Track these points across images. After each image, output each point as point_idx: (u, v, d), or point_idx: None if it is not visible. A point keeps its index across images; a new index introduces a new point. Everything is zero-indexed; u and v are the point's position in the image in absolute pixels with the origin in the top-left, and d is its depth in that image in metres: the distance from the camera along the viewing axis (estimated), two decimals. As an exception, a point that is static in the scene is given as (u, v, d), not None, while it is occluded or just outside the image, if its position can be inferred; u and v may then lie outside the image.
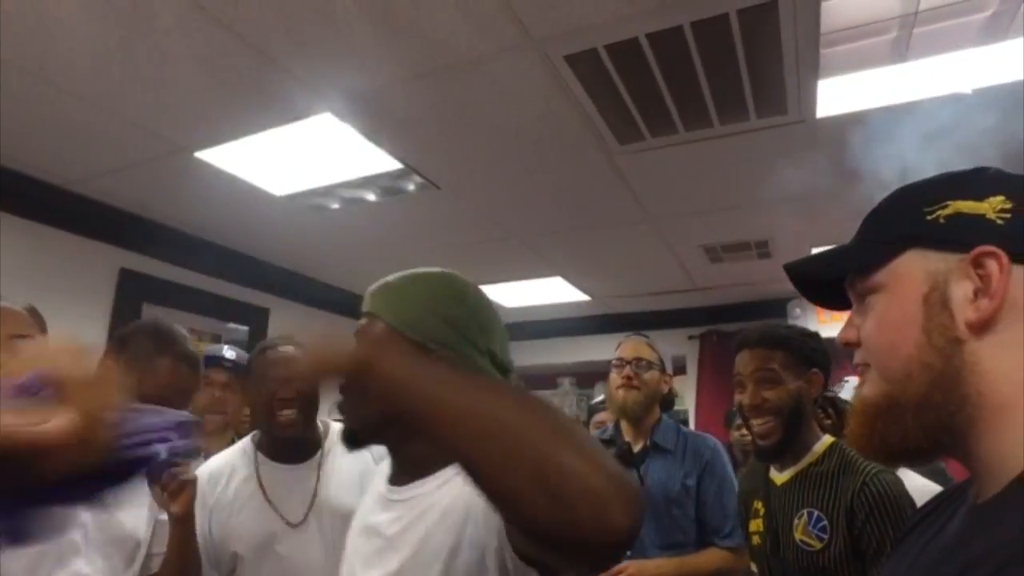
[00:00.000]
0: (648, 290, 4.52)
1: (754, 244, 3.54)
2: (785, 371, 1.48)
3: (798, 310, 4.43)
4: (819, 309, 4.36)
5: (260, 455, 1.63)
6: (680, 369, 4.86)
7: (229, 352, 2.10)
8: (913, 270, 0.60)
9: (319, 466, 1.64)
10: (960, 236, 0.58)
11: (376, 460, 1.58)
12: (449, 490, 0.87)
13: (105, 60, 1.94)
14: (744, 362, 1.52)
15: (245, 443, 1.69)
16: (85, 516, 1.33)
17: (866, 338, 0.64)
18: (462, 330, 0.92)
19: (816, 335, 1.59)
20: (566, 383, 5.92)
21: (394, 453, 0.96)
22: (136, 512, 1.45)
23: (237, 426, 2.63)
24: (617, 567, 1.81)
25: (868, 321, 0.63)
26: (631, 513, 0.50)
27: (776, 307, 4.50)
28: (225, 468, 1.62)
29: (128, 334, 1.50)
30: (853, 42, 1.90)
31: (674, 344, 4.91)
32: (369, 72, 1.98)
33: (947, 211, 0.60)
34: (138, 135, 2.37)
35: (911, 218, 0.62)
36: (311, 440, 1.66)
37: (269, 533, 1.56)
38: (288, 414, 1.54)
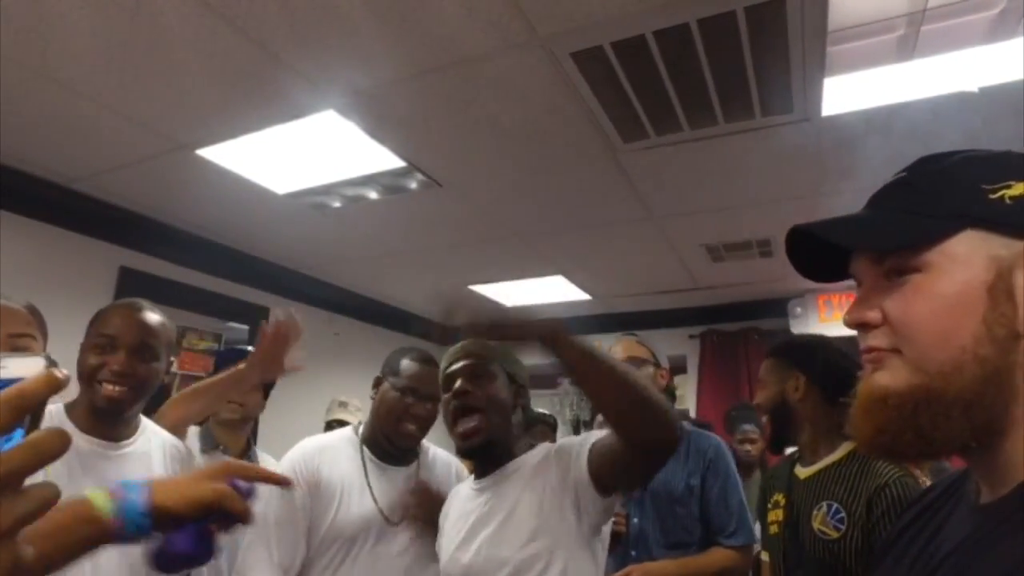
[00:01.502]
0: (649, 289, 4.51)
1: (756, 243, 3.54)
2: (770, 375, 1.67)
3: (799, 309, 4.42)
4: (820, 308, 4.36)
5: (366, 449, 1.66)
6: (680, 368, 4.86)
7: (249, 348, 2.10)
8: (972, 253, 0.54)
9: (416, 474, 1.71)
10: None
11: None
12: (523, 468, 1.32)
13: (107, 57, 1.92)
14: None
15: (349, 433, 1.70)
16: None
17: (902, 322, 0.56)
18: (520, 368, 1.46)
19: (812, 343, 1.72)
20: (566, 383, 5.90)
21: (483, 459, 1.39)
22: None
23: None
24: (623, 571, 1.81)
25: (906, 303, 0.56)
26: (678, 429, 1.08)
27: (777, 306, 4.50)
28: (330, 450, 1.64)
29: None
30: (860, 40, 1.89)
31: (674, 343, 4.92)
32: (373, 69, 1.97)
33: (1013, 191, 0.54)
34: (140, 133, 2.35)
35: (970, 194, 0.55)
36: (413, 450, 1.74)
37: (367, 525, 1.57)
38: (411, 429, 1.62)
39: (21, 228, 2.78)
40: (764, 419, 1.68)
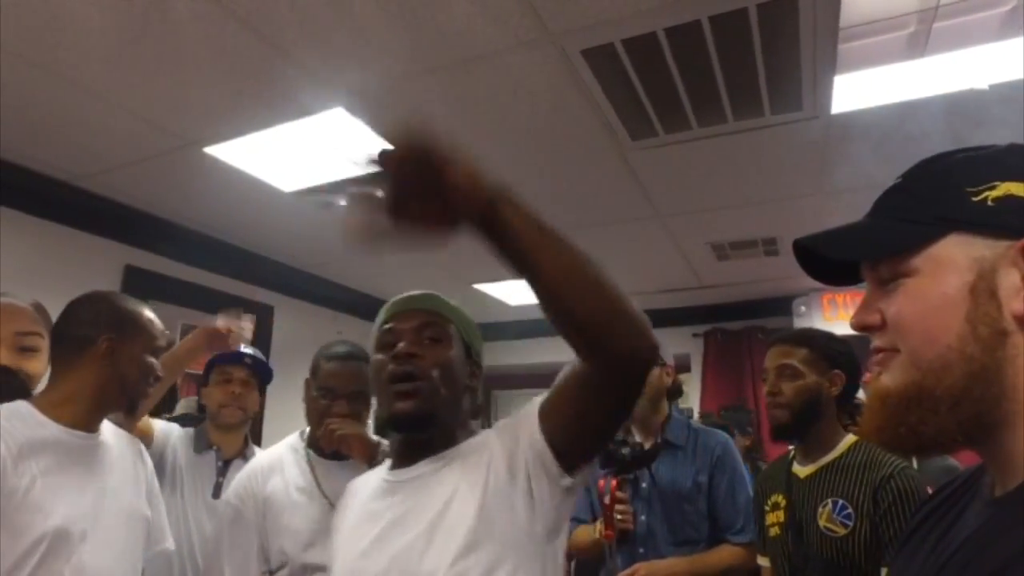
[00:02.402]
0: (654, 288, 4.51)
1: (762, 241, 3.54)
2: (806, 366, 1.59)
3: (803, 308, 4.43)
4: (825, 307, 4.36)
5: (311, 452, 1.64)
6: (684, 367, 4.86)
7: (247, 349, 2.09)
8: (956, 256, 0.56)
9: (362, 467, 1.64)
10: (1009, 221, 0.54)
11: None
12: (459, 455, 1.02)
13: (117, 54, 1.92)
14: (770, 356, 1.65)
15: (293, 440, 1.70)
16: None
17: (896, 323, 0.59)
18: (480, 344, 1.15)
19: (844, 340, 1.67)
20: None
21: (403, 440, 1.08)
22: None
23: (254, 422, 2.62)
24: (630, 568, 1.80)
25: (898, 306, 0.59)
26: (653, 336, 0.84)
27: (781, 305, 4.50)
28: (277, 463, 1.63)
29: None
30: (871, 37, 1.89)
31: (678, 342, 4.92)
32: (383, 66, 1.97)
33: (996, 192, 0.55)
34: (148, 130, 2.35)
35: (953, 198, 0.57)
36: None
37: (325, 523, 1.53)
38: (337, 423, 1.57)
39: (27, 226, 2.78)
40: (780, 412, 1.60)
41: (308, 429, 1.69)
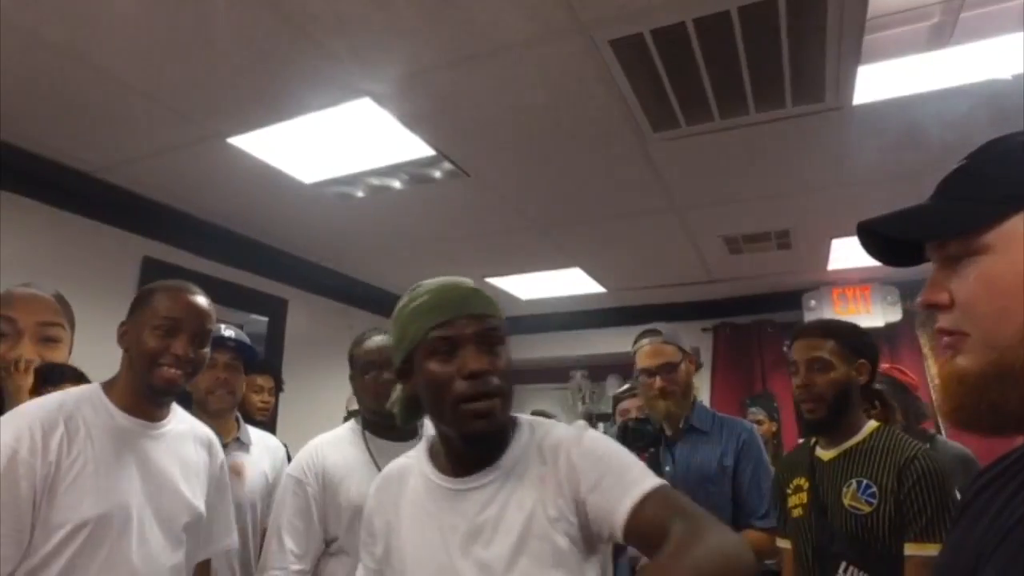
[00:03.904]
0: (665, 282, 4.53)
1: (775, 234, 3.55)
2: (835, 358, 1.63)
3: (813, 302, 4.45)
4: (835, 301, 4.39)
5: (368, 433, 1.78)
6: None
7: (229, 331, 2.09)
8: None
9: None
10: None
11: None
12: (523, 462, 1.03)
13: (148, 43, 1.93)
14: (799, 349, 1.68)
15: (351, 423, 1.85)
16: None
17: (967, 303, 0.60)
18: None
19: (864, 330, 1.74)
20: (578, 376, 5.93)
21: (466, 452, 1.06)
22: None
23: (252, 408, 2.62)
24: None
25: (969, 285, 0.60)
26: None
27: (791, 299, 4.52)
28: (334, 441, 1.78)
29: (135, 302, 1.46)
30: (896, 27, 1.91)
31: (688, 337, 4.91)
32: (413, 55, 1.98)
33: None
34: (173, 120, 2.36)
35: (1021, 177, 0.59)
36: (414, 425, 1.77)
37: None
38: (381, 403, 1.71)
39: (47, 217, 2.79)
40: (816, 407, 1.62)
41: (359, 416, 1.86)
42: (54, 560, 1.20)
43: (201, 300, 1.43)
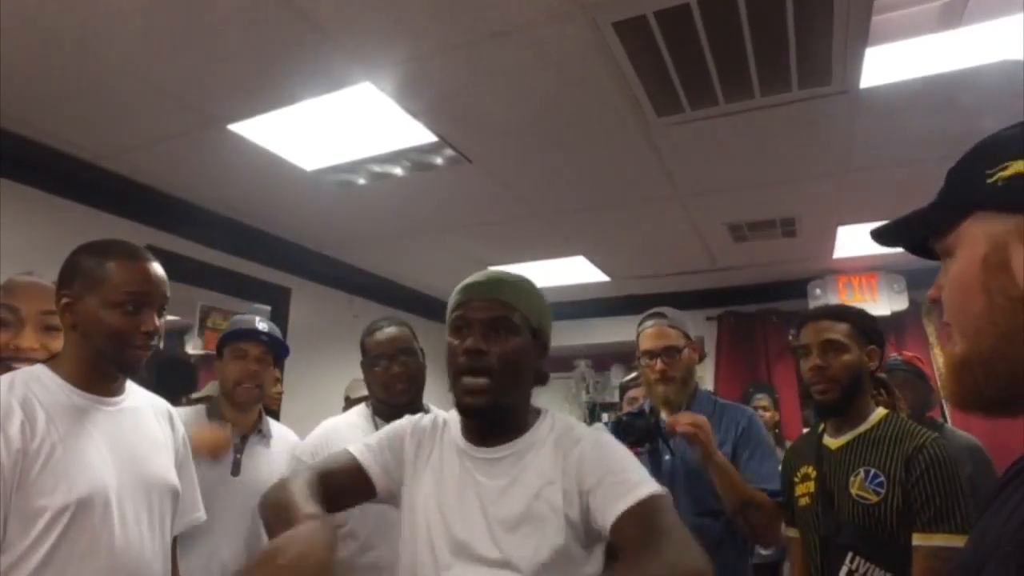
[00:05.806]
0: (668, 270, 4.50)
1: (780, 222, 3.52)
2: (850, 340, 1.63)
3: (818, 291, 4.42)
4: (841, 290, 4.36)
5: (377, 419, 1.84)
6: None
7: (263, 324, 2.08)
8: (977, 234, 0.62)
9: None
10: (1019, 198, 0.59)
11: None
12: (538, 447, 1.15)
13: (146, 27, 1.91)
14: (811, 332, 1.67)
15: (361, 408, 1.93)
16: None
17: (945, 298, 0.67)
18: (548, 322, 1.24)
19: (873, 316, 1.73)
20: (582, 365, 5.92)
21: (475, 425, 1.20)
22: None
23: (269, 399, 2.62)
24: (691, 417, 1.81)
25: (947, 282, 0.67)
26: None
27: (796, 288, 4.49)
28: (344, 425, 1.84)
29: (66, 265, 1.37)
30: (906, 7, 1.87)
31: (692, 326, 4.90)
32: (415, 39, 1.96)
33: (1007, 172, 0.61)
34: (174, 106, 2.34)
35: (974, 181, 0.63)
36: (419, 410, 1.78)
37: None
38: (401, 387, 1.85)
39: (48, 205, 2.78)
40: (829, 387, 1.61)
41: (369, 401, 1.95)
42: (33, 552, 1.15)
43: (158, 268, 1.36)
